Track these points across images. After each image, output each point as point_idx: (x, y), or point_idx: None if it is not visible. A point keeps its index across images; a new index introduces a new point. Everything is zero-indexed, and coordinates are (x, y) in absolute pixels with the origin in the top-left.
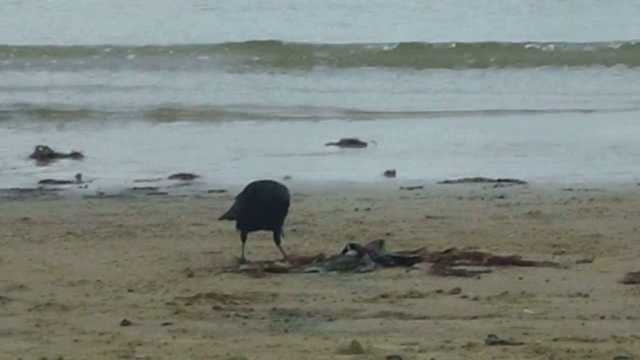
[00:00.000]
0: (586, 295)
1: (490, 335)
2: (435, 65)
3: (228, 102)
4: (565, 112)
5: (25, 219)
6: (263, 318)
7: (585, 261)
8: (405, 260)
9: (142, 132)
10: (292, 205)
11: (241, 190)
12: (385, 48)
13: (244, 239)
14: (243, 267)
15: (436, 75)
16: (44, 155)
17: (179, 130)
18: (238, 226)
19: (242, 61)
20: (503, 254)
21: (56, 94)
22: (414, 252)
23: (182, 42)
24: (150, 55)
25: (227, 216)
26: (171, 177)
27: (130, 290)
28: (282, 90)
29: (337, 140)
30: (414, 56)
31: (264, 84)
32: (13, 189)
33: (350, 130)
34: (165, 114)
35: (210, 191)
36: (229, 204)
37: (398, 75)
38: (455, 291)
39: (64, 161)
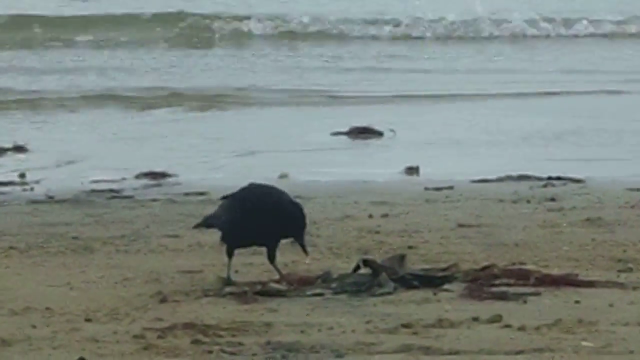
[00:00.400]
0: None
1: None
2: (461, 37)
3: (202, 84)
4: (633, 93)
5: None
6: (254, 354)
7: None
8: (432, 280)
9: (101, 121)
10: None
11: (228, 191)
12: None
13: (230, 254)
14: (229, 289)
15: (464, 50)
16: None
17: (145, 119)
18: (224, 239)
19: (210, 32)
20: (555, 271)
21: None
22: (444, 270)
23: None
24: (93, 28)
25: (205, 223)
26: (138, 177)
27: (87, 320)
28: (271, 69)
29: (345, 129)
30: (433, 27)
31: (248, 61)
32: None
33: (362, 116)
34: (126, 99)
35: (187, 194)
36: (210, 210)
37: (416, 50)
38: (496, 319)
39: (3, 157)
